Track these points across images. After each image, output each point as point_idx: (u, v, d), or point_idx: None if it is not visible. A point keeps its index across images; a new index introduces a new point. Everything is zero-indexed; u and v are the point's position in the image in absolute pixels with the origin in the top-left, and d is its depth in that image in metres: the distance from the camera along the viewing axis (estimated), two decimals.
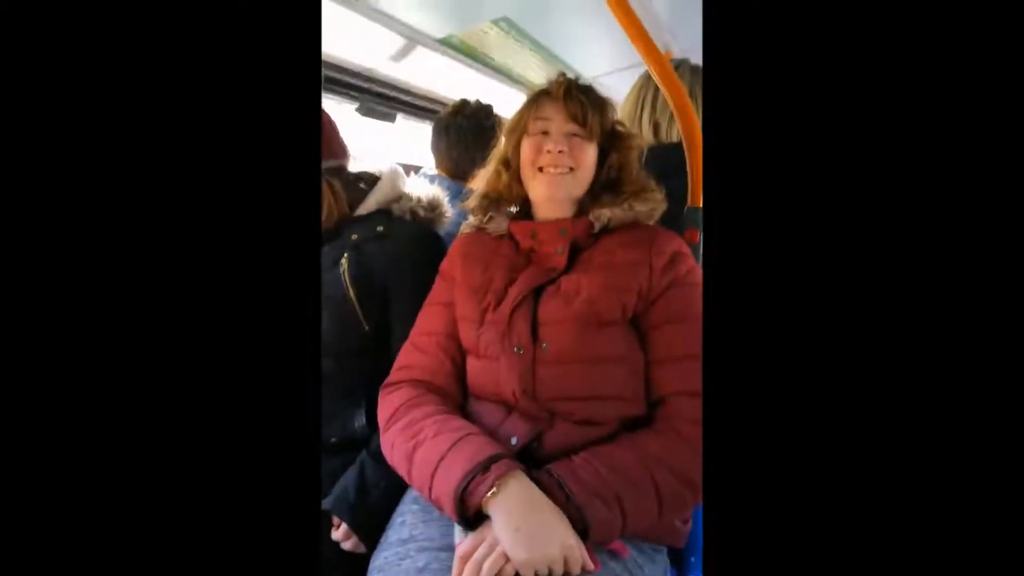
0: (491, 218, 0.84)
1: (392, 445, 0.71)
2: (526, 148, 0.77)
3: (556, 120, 0.76)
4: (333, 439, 0.87)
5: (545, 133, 0.76)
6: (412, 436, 0.68)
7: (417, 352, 0.80)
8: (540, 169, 0.76)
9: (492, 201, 0.83)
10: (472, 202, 0.85)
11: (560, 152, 0.74)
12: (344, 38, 1.18)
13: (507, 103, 0.78)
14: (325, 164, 0.92)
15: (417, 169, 1.15)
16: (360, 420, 0.86)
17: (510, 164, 0.81)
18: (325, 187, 0.92)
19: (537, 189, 0.78)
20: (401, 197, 0.99)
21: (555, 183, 0.76)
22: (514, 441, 0.67)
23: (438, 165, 1.28)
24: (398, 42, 1.25)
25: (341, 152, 0.95)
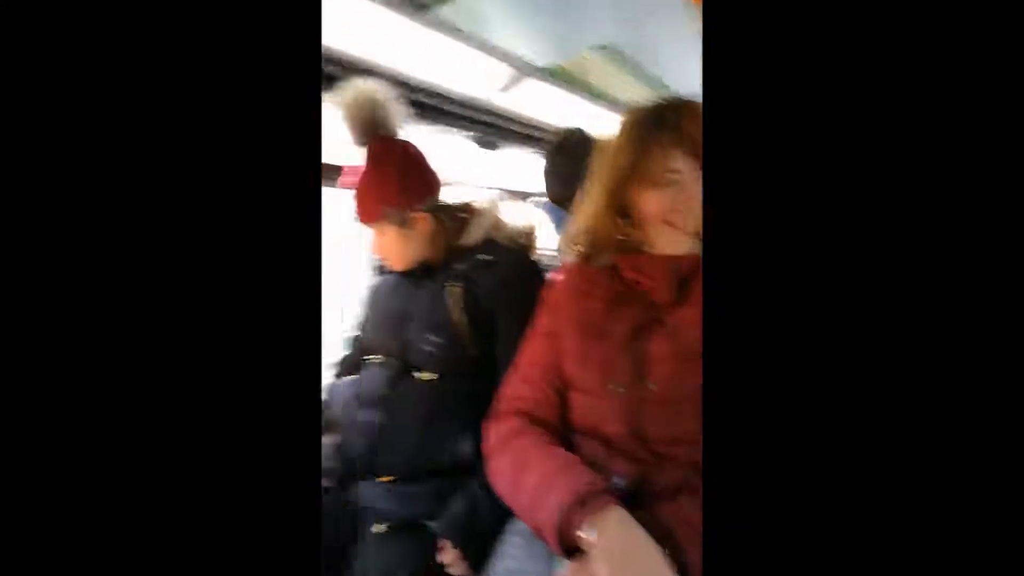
0: (595, 251, 0.80)
1: (497, 473, 0.71)
2: (655, 201, 0.71)
3: (688, 174, 0.70)
4: (441, 461, 0.88)
5: (675, 185, 0.70)
6: (516, 466, 0.68)
7: (522, 383, 0.79)
8: (668, 222, 0.71)
9: (601, 240, 0.79)
10: (576, 237, 0.82)
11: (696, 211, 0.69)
12: (451, 69, 1.24)
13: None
14: (426, 204, 0.95)
15: (526, 196, 1.17)
16: (467, 445, 0.86)
17: (627, 212, 0.75)
18: (432, 222, 0.96)
19: (661, 238, 0.74)
20: (502, 226, 1.02)
21: (683, 237, 0.72)
22: (618, 481, 0.64)
23: (547, 192, 1.30)
24: (504, 72, 1.30)
25: (436, 185, 0.98)
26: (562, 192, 1.23)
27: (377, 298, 1.04)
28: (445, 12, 1.02)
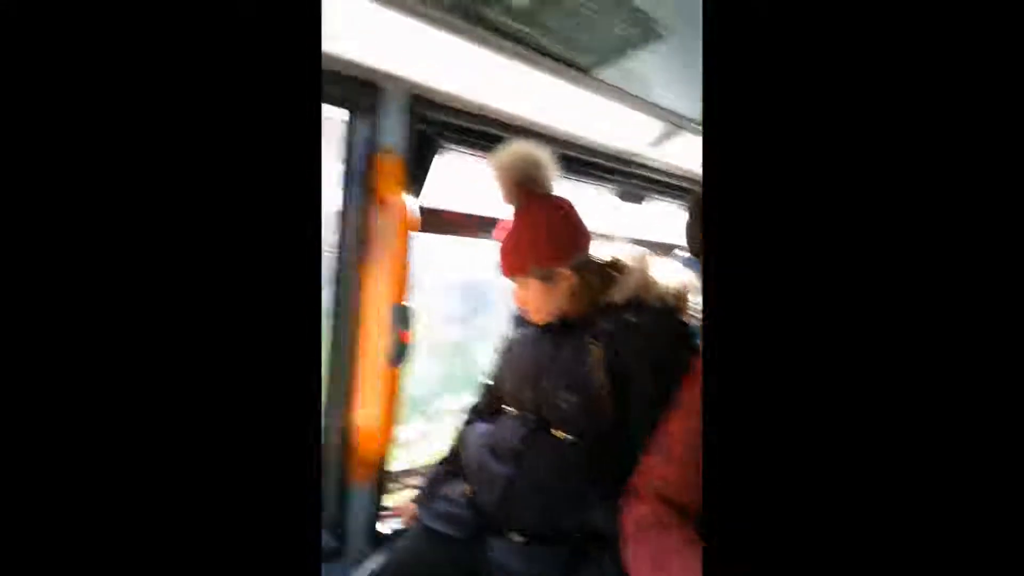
0: None
1: (634, 564, 0.68)
2: None
3: None
4: (571, 525, 0.85)
5: None
6: (655, 567, 0.64)
7: (666, 463, 0.74)
8: None
9: None
10: None
11: None
12: (605, 125, 1.24)
13: None
14: (574, 261, 0.95)
15: (671, 248, 1.13)
16: (599, 514, 0.83)
17: None
18: (577, 278, 0.95)
19: None
20: (651, 285, 0.98)
21: None
22: None
23: (688, 246, 1.24)
24: (657, 126, 1.27)
25: (586, 243, 0.97)
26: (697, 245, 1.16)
27: (515, 349, 1.05)
28: (605, 73, 1.03)
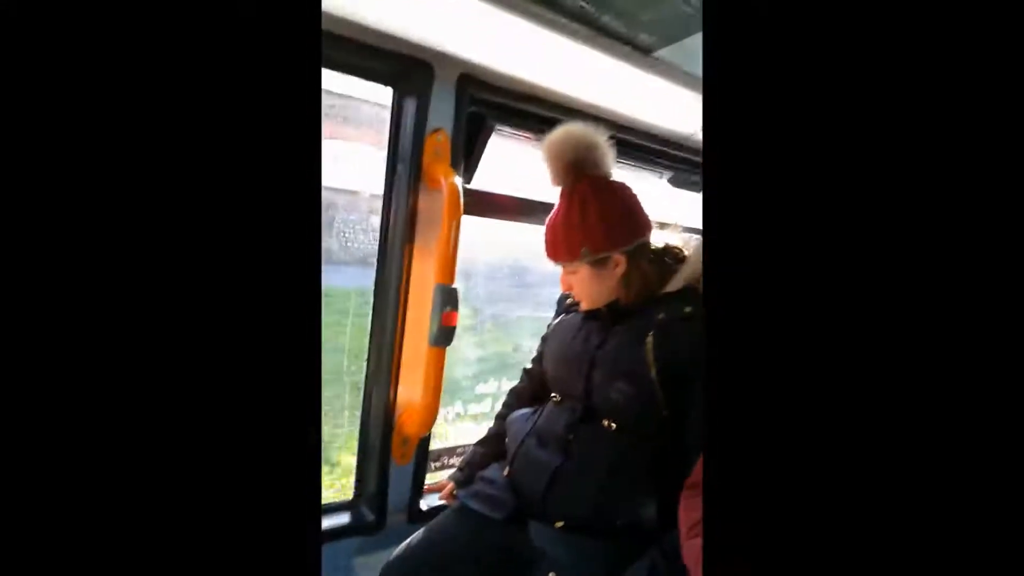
0: None
1: (694, 559, 0.66)
2: None
3: None
4: (619, 519, 0.84)
5: None
6: None
7: None
8: None
9: None
10: None
11: None
12: (662, 108, 1.19)
13: None
14: (630, 247, 0.91)
15: None
16: (650, 509, 0.80)
17: None
18: (628, 265, 0.92)
19: None
20: None
21: None
22: None
23: None
24: None
25: (645, 227, 0.94)
26: None
27: (561, 335, 1.02)
28: (666, 53, 0.98)
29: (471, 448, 1.09)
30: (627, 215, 0.93)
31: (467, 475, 1.06)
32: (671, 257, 0.97)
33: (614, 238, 0.92)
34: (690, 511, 0.70)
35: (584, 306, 0.96)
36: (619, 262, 0.93)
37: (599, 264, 0.93)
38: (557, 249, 0.94)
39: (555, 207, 0.93)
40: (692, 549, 0.66)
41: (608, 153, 0.94)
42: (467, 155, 1.03)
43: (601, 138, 0.93)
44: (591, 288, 0.94)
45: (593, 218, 0.92)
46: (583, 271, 0.93)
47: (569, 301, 1.08)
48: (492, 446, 1.09)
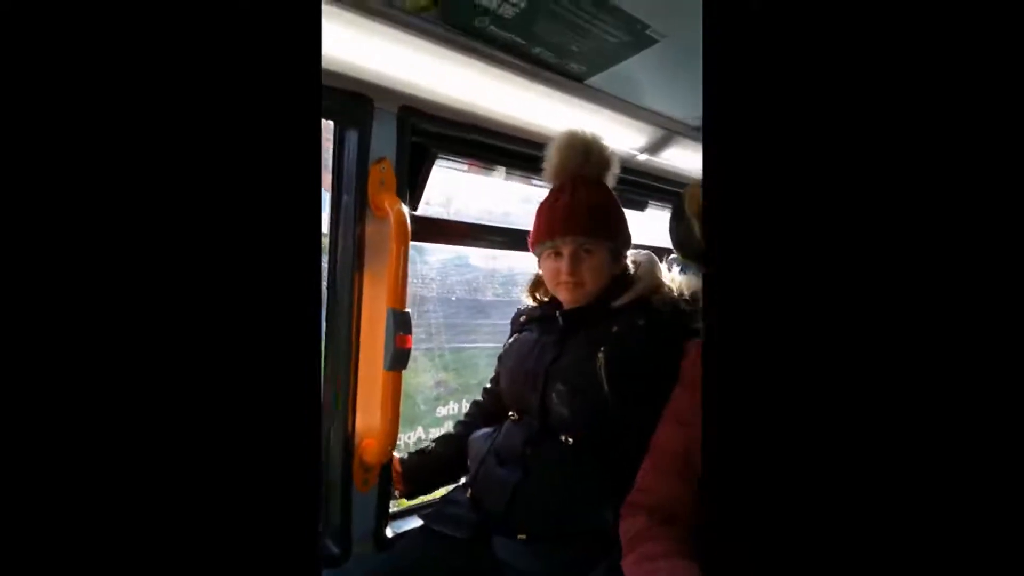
0: None
1: (627, 570, 0.69)
2: None
3: None
4: (580, 527, 0.86)
5: None
6: (644, 574, 0.65)
7: (654, 472, 0.75)
8: None
9: None
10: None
11: None
12: (599, 133, 1.25)
13: None
14: (615, 244, 0.99)
15: (669, 253, 1.14)
16: (609, 514, 0.83)
17: None
18: (608, 257, 0.98)
19: None
20: (660, 288, 0.99)
21: None
22: None
23: (675, 249, 1.24)
24: (656, 133, 1.28)
25: (627, 232, 1.04)
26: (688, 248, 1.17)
27: (517, 353, 1.05)
28: (597, 80, 1.04)
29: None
30: (621, 214, 1.03)
31: (415, 463, 1.09)
32: (626, 270, 1.02)
33: (629, 235, 1.02)
34: (624, 529, 0.73)
35: (574, 296, 0.99)
36: (621, 258, 1.00)
37: (615, 254, 1.00)
38: (592, 225, 0.96)
39: (568, 191, 0.98)
40: (626, 568, 0.69)
41: (611, 157, 1.05)
42: (412, 183, 1.06)
43: (602, 143, 1.03)
44: (599, 274, 0.98)
45: (617, 205, 1.02)
46: (602, 254, 0.98)
47: (523, 319, 1.10)
48: (443, 445, 1.12)
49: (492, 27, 0.81)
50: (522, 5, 0.75)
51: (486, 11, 0.76)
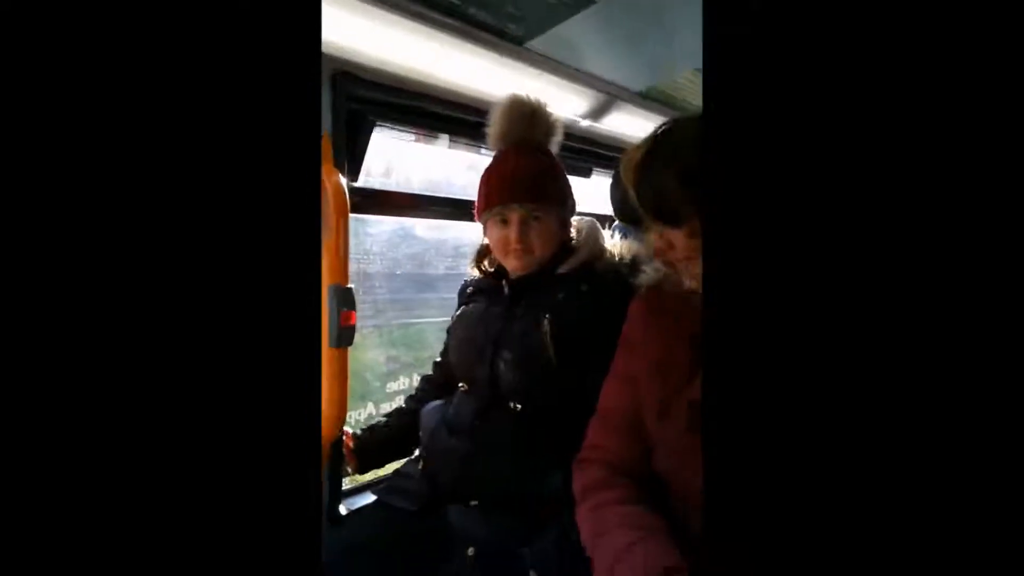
0: (668, 275, 0.73)
1: (580, 524, 0.69)
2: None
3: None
4: (531, 491, 0.87)
5: None
6: (595, 526, 0.66)
7: (603, 430, 0.76)
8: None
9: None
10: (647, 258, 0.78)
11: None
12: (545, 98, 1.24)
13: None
14: (562, 210, 0.99)
15: (612, 220, 1.15)
16: (558, 478, 0.84)
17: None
18: (557, 223, 0.98)
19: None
20: (603, 254, 1.00)
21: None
22: None
23: (615, 212, 1.25)
24: (598, 98, 1.28)
25: (572, 196, 1.03)
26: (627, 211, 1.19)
27: (465, 325, 1.05)
28: (537, 44, 1.02)
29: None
30: (566, 180, 1.02)
31: (366, 438, 1.08)
32: (570, 236, 1.02)
33: (575, 201, 1.02)
34: (576, 482, 0.74)
35: (526, 263, 0.98)
36: (567, 225, 1.01)
37: (562, 221, 0.99)
38: (541, 191, 0.95)
39: (513, 157, 0.97)
40: (579, 519, 0.70)
41: (557, 123, 1.03)
42: (351, 154, 1.02)
43: (548, 109, 1.01)
44: (548, 240, 0.97)
45: (566, 177, 1.00)
46: (551, 221, 0.97)
47: (470, 290, 1.10)
48: (396, 419, 1.11)
49: None
50: None
51: None
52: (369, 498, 1.08)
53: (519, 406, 0.92)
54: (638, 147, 0.67)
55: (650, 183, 0.64)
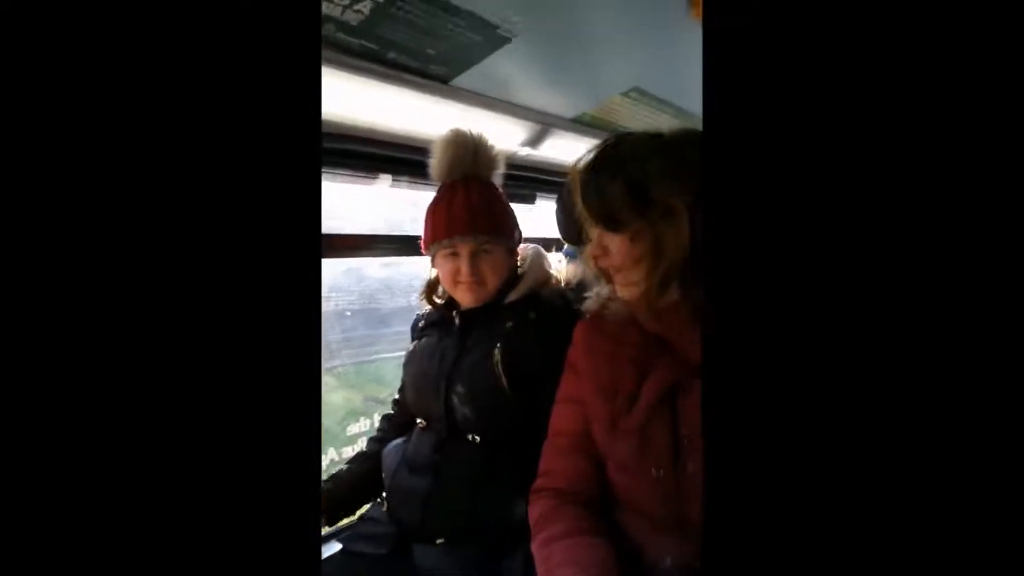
0: (610, 300, 0.75)
1: (535, 558, 0.69)
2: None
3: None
4: (494, 523, 0.87)
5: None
6: (544, 557, 0.66)
7: (554, 454, 0.76)
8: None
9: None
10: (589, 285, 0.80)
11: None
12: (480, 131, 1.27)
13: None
14: (508, 242, 1.00)
15: (560, 245, 1.18)
16: (520, 507, 0.84)
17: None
18: (506, 256, 1.00)
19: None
20: (549, 280, 1.02)
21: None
22: (668, 562, 0.60)
23: (561, 234, 1.27)
24: (533, 128, 1.31)
25: (517, 229, 1.05)
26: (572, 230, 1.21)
27: (419, 361, 1.05)
28: (463, 80, 1.05)
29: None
30: (512, 213, 1.05)
31: (329, 490, 1.06)
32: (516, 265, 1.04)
33: (520, 231, 1.03)
34: (531, 514, 0.75)
35: (475, 297, 0.99)
36: (515, 255, 1.02)
37: (510, 251, 1.01)
38: (490, 223, 0.97)
39: (462, 190, 0.98)
40: (534, 550, 0.70)
41: (498, 157, 1.06)
42: None
43: (489, 143, 1.04)
44: (499, 272, 0.98)
45: (505, 203, 1.02)
46: (500, 252, 0.98)
47: (422, 324, 1.10)
48: (357, 465, 1.10)
49: (340, 34, 0.80)
50: (366, 12, 0.75)
51: (329, 18, 0.75)
52: (335, 547, 1.06)
53: (478, 438, 0.92)
54: (586, 156, 0.70)
55: (595, 186, 0.66)
